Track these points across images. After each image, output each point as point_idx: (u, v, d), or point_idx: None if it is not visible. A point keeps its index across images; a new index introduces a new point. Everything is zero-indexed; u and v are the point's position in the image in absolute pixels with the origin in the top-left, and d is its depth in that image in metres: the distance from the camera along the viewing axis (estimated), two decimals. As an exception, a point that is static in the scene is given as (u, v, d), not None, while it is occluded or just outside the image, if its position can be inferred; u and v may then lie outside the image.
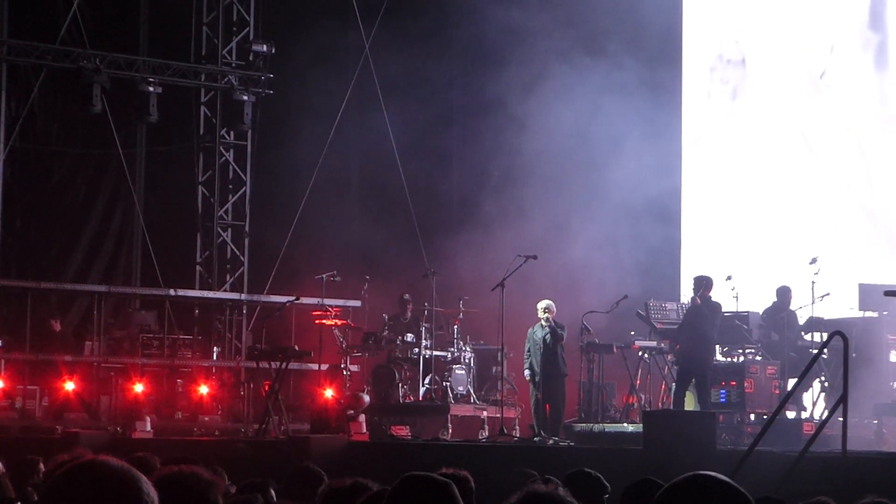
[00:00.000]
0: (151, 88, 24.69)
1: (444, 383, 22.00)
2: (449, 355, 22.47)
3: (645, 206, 23.73)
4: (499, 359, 21.61)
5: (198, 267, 26.45)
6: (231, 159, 26.58)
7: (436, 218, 25.33)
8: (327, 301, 22.37)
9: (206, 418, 23.32)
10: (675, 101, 25.16)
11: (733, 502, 3.35)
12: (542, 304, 19.82)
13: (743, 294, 20.33)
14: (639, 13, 24.19)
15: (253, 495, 7.66)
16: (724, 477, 3.39)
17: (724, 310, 19.58)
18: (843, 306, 20.36)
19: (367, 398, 20.96)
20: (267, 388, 20.45)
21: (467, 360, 22.46)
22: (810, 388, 19.71)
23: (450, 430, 21.20)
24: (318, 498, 5.90)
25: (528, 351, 19.94)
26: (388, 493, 4.23)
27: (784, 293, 20.04)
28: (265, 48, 25.84)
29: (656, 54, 24.52)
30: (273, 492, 8.23)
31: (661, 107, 24.39)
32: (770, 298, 20.29)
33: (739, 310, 20.33)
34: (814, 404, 19.73)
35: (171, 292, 24.76)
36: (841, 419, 14.06)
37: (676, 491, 3.37)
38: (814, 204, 23.62)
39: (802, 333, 20.06)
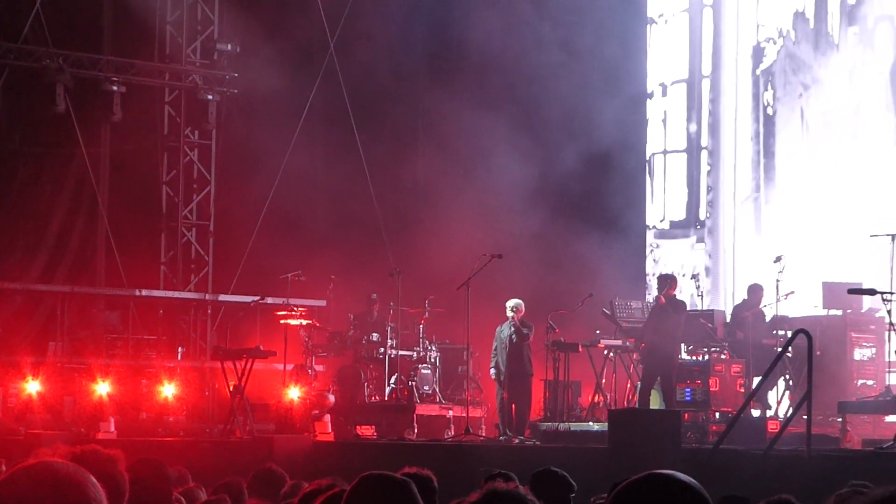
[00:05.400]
0: (115, 87, 24.55)
1: (409, 383, 21.97)
2: (415, 354, 22.45)
3: (611, 203, 23.76)
4: (464, 358, 21.61)
5: (162, 267, 26.31)
6: (195, 159, 26.45)
7: (402, 217, 25.27)
8: (292, 301, 22.30)
9: (171, 419, 23.17)
10: (641, 106, 25.21)
11: (691, 501, 3.30)
12: (510, 303, 19.81)
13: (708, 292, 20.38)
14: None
15: (222, 497, 7.63)
16: (682, 475, 3.35)
17: (688, 308, 19.62)
18: (807, 304, 20.44)
19: (332, 398, 20.92)
20: (232, 388, 20.37)
21: (433, 360, 22.45)
22: (775, 387, 19.78)
23: (415, 430, 21.18)
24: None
25: (495, 349, 19.93)
26: (346, 493, 4.20)
27: (755, 291, 20.09)
28: (230, 47, 25.73)
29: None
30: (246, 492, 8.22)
31: (629, 101, 24.44)
32: (739, 296, 20.34)
33: (704, 308, 20.36)
34: (778, 402, 19.79)
35: (136, 292, 24.63)
36: (805, 417, 14.14)
37: (633, 490, 3.32)
38: (778, 202, 23.69)
39: (771, 332, 20.12)
